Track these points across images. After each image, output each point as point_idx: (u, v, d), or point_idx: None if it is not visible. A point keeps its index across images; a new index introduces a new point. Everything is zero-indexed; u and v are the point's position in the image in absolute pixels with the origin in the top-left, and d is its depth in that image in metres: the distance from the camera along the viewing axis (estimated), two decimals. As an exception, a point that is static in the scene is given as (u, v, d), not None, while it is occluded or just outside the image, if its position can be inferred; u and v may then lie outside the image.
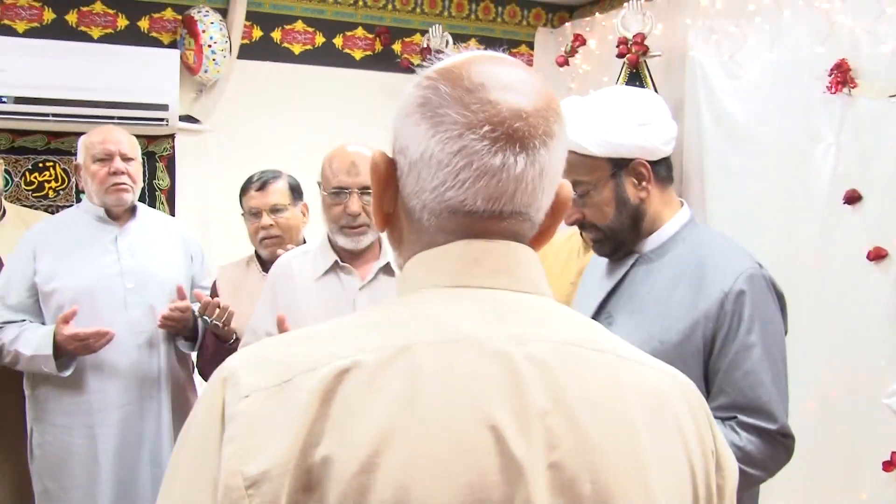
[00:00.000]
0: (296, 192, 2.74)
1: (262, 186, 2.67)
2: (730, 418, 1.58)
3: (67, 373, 2.47)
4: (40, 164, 3.58)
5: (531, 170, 0.76)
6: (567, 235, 2.72)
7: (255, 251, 2.79)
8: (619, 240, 1.73)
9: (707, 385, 1.61)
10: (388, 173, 0.81)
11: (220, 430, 0.68)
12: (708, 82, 3.18)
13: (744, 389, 1.57)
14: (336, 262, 2.16)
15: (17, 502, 2.80)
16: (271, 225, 2.66)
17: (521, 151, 0.75)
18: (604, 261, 1.84)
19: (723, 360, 1.58)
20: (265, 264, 2.73)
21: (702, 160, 3.18)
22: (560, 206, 0.83)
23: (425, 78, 0.79)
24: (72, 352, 2.43)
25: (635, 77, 3.31)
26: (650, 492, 0.71)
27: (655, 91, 3.23)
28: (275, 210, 2.66)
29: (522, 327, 0.74)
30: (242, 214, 2.76)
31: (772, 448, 1.58)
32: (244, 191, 2.72)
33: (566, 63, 3.72)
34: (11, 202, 3.45)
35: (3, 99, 3.28)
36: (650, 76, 3.33)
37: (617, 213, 1.69)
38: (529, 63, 4.20)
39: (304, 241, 2.76)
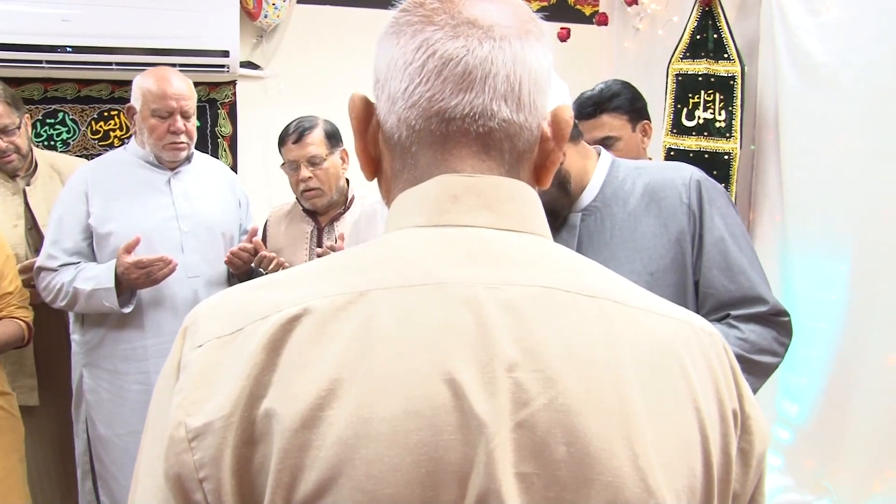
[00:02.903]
0: (333, 138, 2.69)
1: (299, 138, 2.63)
2: (723, 318, 1.61)
3: (129, 308, 2.46)
4: (105, 113, 3.63)
5: (500, 54, 0.71)
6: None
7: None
8: (555, 210, 1.70)
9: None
10: (365, 109, 0.78)
11: (175, 381, 0.65)
12: (786, 20, 2.97)
13: (725, 284, 1.61)
14: None
15: (61, 447, 2.85)
16: (310, 177, 2.63)
17: (485, 38, 0.71)
18: None
19: (699, 265, 1.64)
20: (308, 210, 2.76)
21: (778, 106, 3.00)
22: (559, 129, 0.77)
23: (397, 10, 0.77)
24: (134, 282, 2.39)
25: (708, 16, 3.13)
26: (641, 457, 0.63)
27: (730, 30, 3.07)
28: (312, 162, 2.63)
29: (499, 270, 0.67)
30: (281, 165, 2.73)
31: (772, 330, 1.62)
32: (282, 142, 2.69)
33: (635, 2, 3.56)
34: (78, 151, 3.51)
35: (67, 48, 3.31)
36: (724, 14, 3.16)
37: None
38: (596, 2, 4.04)
39: (348, 186, 2.76)
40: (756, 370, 1.62)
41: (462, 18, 0.71)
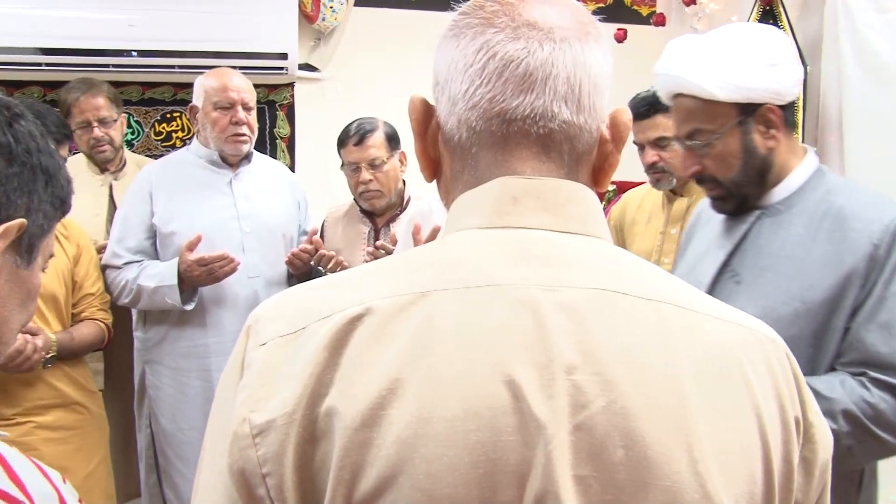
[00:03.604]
0: (393, 141, 2.71)
1: (360, 140, 2.65)
2: (859, 374, 1.42)
3: (191, 306, 2.51)
4: (168, 115, 3.72)
5: (560, 56, 0.71)
6: (649, 185, 2.64)
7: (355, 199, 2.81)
8: (743, 195, 1.57)
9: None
10: (425, 111, 0.79)
11: (238, 378, 0.67)
12: (851, 18, 2.90)
13: (877, 343, 1.41)
14: None
15: (124, 440, 2.92)
16: (371, 180, 2.66)
17: (546, 39, 0.71)
18: (717, 216, 1.68)
19: (859, 312, 1.43)
20: (365, 210, 2.78)
21: (841, 106, 2.93)
22: (618, 132, 0.77)
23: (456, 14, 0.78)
24: (196, 280, 2.45)
25: (768, 15, 3.08)
26: (700, 462, 0.62)
27: (791, 30, 3.01)
28: (373, 164, 2.66)
29: (557, 271, 0.67)
30: (341, 166, 2.76)
31: None
32: (342, 143, 2.71)
33: (693, 2, 3.51)
34: (142, 152, 3.61)
35: (133, 53, 3.40)
36: (785, 13, 3.10)
37: (743, 165, 1.53)
38: (653, 2, 4.00)
39: (404, 188, 2.78)
40: (870, 443, 1.40)
41: (522, 21, 0.72)
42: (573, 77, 0.72)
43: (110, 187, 2.91)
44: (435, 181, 0.82)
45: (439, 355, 0.62)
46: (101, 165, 2.93)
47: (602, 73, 0.74)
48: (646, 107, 2.42)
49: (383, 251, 2.53)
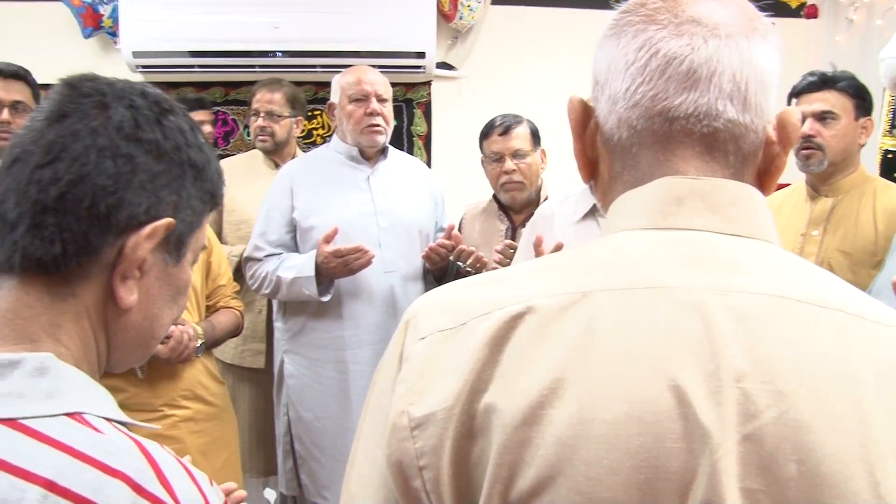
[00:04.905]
0: (536, 137, 2.71)
1: (506, 131, 2.66)
2: None
3: (327, 297, 2.56)
4: (309, 113, 3.83)
5: (726, 52, 0.68)
6: (792, 187, 2.52)
7: (494, 195, 2.81)
8: None
9: None
10: (583, 111, 0.77)
11: (397, 371, 0.67)
12: None
13: None
14: (595, 205, 2.17)
15: (260, 427, 3.04)
16: (514, 170, 2.65)
17: (710, 36, 0.69)
18: None
19: None
20: (503, 207, 2.77)
21: None
22: (786, 134, 0.73)
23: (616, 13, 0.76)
24: (332, 271, 2.49)
25: (936, 4, 2.88)
26: (882, 484, 0.57)
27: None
28: (517, 155, 2.65)
29: (727, 276, 0.64)
30: (482, 159, 2.76)
31: None
32: (486, 135, 2.72)
33: (850, -9, 3.32)
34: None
35: (278, 53, 3.53)
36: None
37: None
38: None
39: (542, 186, 2.76)
40: None
41: (686, 17, 0.70)
42: (739, 74, 0.69)
43: None
44: (592, 182, 0.81)
45: (602, 356, 0.61)
46: (266, 153, 3.10)
47: (769, 72, 0.71)
48: (818, 80, 2.35)
49: (512, 250, 2.52)
